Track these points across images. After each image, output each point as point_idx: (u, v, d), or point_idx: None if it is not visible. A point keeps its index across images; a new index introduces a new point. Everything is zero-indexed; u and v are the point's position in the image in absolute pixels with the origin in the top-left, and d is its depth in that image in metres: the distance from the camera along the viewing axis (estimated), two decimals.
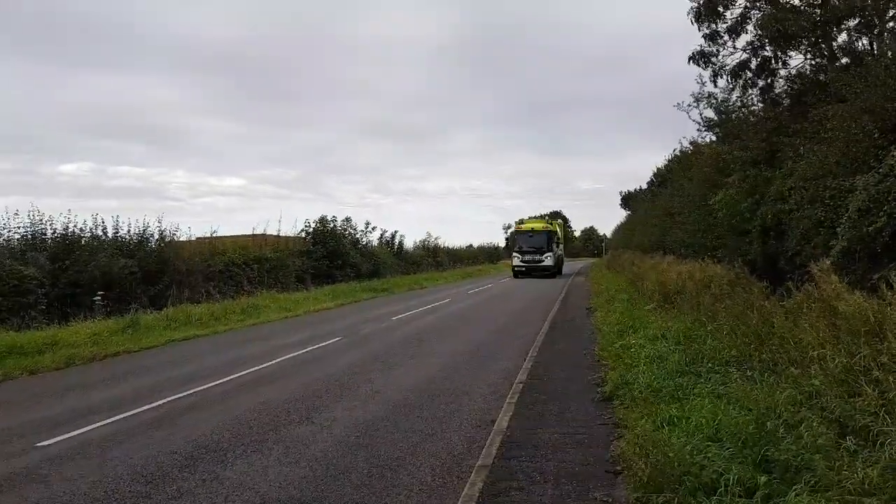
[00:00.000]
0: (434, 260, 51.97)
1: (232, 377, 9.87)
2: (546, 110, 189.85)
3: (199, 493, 5.11)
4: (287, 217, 67.69)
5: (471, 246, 75.46)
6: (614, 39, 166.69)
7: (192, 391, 8.93)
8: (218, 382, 9.49)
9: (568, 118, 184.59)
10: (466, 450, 6.05)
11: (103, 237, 19.18)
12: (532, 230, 30.45)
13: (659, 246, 32.94)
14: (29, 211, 17.46)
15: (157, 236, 20.84)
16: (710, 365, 7.43)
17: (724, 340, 8.17)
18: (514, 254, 29.70)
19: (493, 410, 7.36)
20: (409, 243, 48.19)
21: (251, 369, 10.50)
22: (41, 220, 17.58)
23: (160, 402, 8.32)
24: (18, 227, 17.14)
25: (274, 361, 11.15)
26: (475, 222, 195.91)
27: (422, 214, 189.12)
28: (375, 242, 41.98)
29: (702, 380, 6.92)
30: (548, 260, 27.60)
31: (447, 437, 6.45)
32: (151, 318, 16.04)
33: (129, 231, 19.98)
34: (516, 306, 20.87)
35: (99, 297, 16.21)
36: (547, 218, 39.02)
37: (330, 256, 32.33)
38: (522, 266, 28.25)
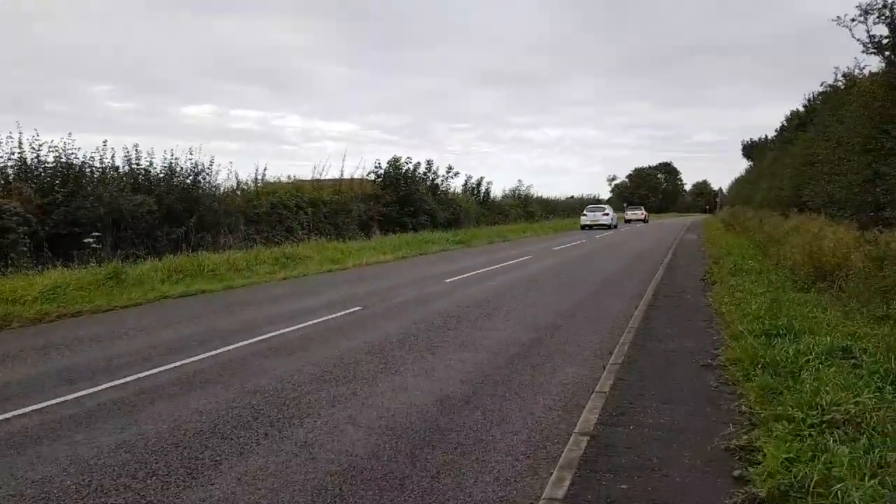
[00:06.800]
0: (524, 210, 47.76)
1: (149, 373, 6.57)
2: (669, 57, 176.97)
3: None
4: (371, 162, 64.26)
5: (571, 197, 70.10)
6: None
7: (81, 392, 5.72)
8: (123, 381, 6.23)
9: (691, 66, 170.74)
10: None
11: (121, 169, 16.60)
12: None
13: (793, 202, 27.26)
14: (27, 136, 15.02)
15: (187, 171, 18.10)
16: None
17: None
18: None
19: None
20: (498, 191, 44.32)
21: (188, 359, 7.18)
22: (39, 146, 14.95)
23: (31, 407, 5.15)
24: (11, 154, 14.64)
25: (223, 349, 7.73)
26: (580, 173, 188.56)
27: (527, 164, 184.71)
28: (459, 189, 38.46)
29: None
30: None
31: None
32: (148, 267, 13.23)
33: (151, 164, 17.29)
34: (607, 270, 16.55)
35: (92, 239, 13.54)
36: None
37: (401, 202, 28.99)
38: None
